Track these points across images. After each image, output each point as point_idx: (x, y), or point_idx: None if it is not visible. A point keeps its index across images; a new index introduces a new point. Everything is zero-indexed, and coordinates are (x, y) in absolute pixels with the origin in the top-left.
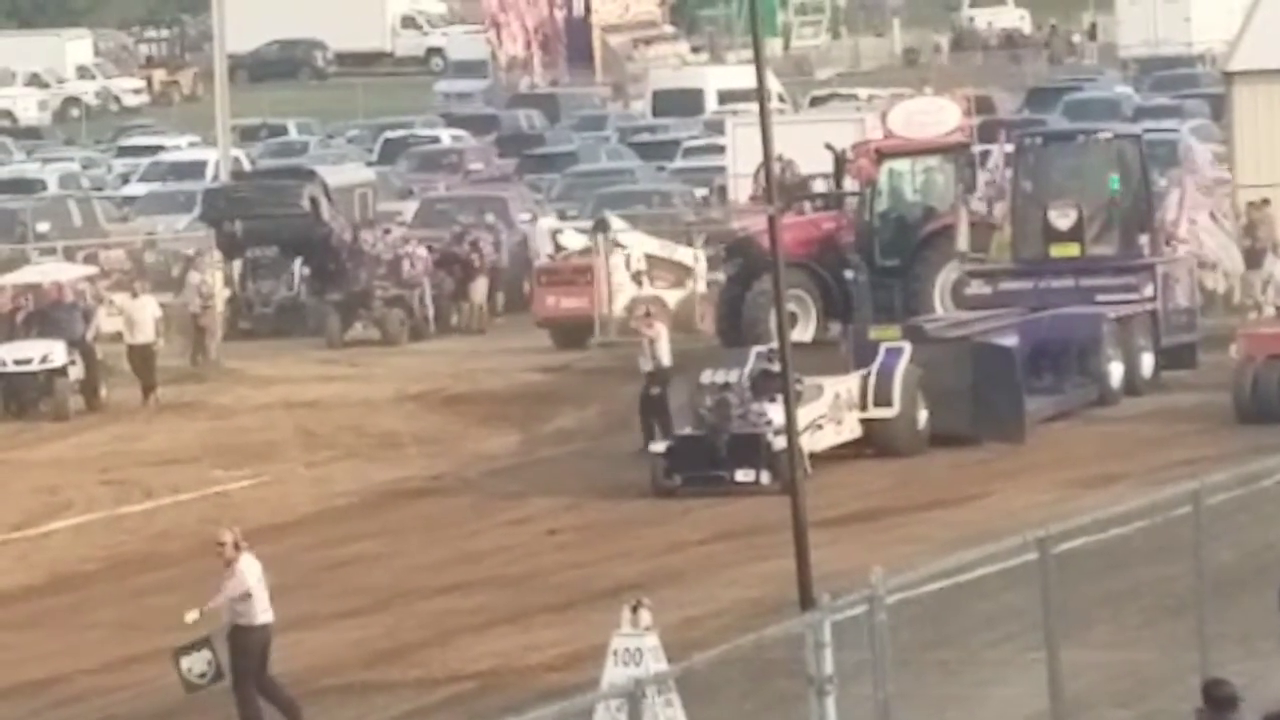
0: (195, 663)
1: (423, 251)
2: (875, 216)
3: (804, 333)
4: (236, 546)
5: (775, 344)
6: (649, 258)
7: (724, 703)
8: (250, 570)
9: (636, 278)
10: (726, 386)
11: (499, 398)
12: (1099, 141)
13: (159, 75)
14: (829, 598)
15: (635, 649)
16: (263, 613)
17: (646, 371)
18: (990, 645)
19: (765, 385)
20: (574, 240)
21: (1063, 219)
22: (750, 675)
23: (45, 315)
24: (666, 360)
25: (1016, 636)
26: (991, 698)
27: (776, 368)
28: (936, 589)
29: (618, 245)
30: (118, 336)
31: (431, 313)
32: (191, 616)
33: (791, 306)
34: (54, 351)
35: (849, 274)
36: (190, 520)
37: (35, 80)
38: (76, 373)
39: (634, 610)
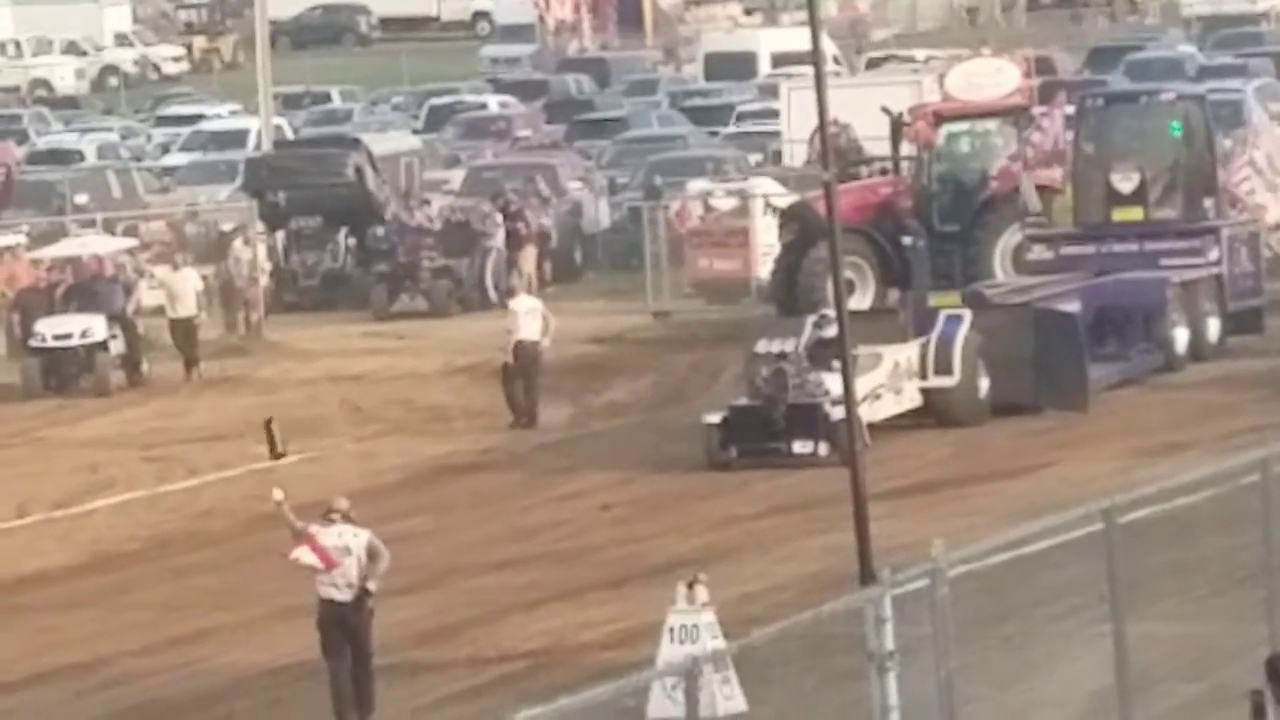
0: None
1: (498, 217)
2: (934, 181)
3: (861, 300)
4: (347, 518)
5: (831, 310)
6: None
7: (783, 680)
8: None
9: None
10: (783, 356)
11: (549, 369)
12: (1162, 102)
13: (199, 42)
14: (890, 572)
15: (691, 626)
16: None
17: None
18: (1055, 618)
19: (822, 354)
20: (724, 201)
21: (1125, 182)
22: (809, 652)
23: (85, 289)
24: (532, 334)
25: (1081, 609)
26: (1056, 672)
27: (832, 333)
28: (1000, 561)
29: (770, 206)
30: (159, 310)
31: (491, 281)
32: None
33: (849, 274)
34: (94, 326)
35: (907, 240)
36: (235, 498)
37: (72, 48)
38: (117, 347)
39: (690, 586)
